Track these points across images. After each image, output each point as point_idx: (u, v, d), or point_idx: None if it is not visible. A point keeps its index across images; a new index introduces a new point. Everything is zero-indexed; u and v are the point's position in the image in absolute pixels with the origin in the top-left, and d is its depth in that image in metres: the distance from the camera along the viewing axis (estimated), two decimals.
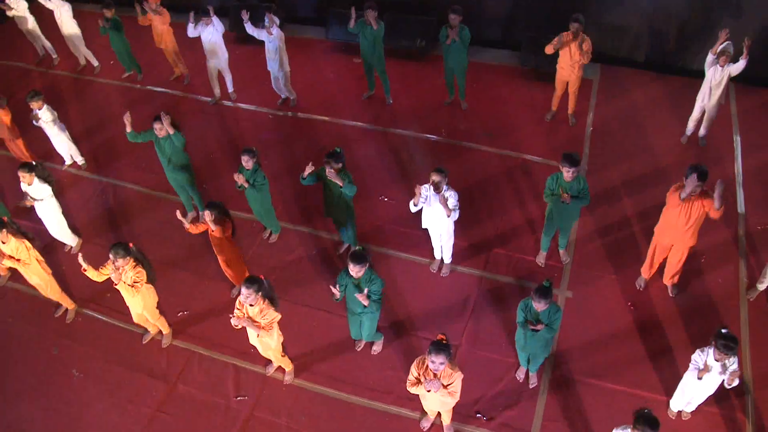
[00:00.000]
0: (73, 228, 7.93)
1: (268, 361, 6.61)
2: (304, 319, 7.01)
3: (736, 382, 5.28)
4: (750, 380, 6.30)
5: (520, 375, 6.44)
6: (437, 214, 6.64)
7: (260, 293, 5.54)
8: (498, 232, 7.69)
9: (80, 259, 5.96)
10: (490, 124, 9.00)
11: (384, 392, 6.40)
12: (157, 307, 6.59)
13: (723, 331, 5.20)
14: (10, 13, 9.96)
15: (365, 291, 5.69)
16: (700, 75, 8.07)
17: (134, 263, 6.05)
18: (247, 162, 6.83)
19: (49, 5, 9.78)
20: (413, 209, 6.51)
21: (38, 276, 6.76)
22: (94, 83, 10.32)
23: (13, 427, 6.39)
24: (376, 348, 6.74)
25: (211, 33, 8.79)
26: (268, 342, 5.97)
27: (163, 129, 7.07)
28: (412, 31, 9.87)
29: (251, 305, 5.61)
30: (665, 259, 6.80)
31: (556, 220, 6.84)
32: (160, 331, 6.96)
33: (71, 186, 8.69)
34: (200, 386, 6.59)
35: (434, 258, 7.37)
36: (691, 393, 5.67)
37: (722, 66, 7.61)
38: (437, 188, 6.31)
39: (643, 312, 6.88)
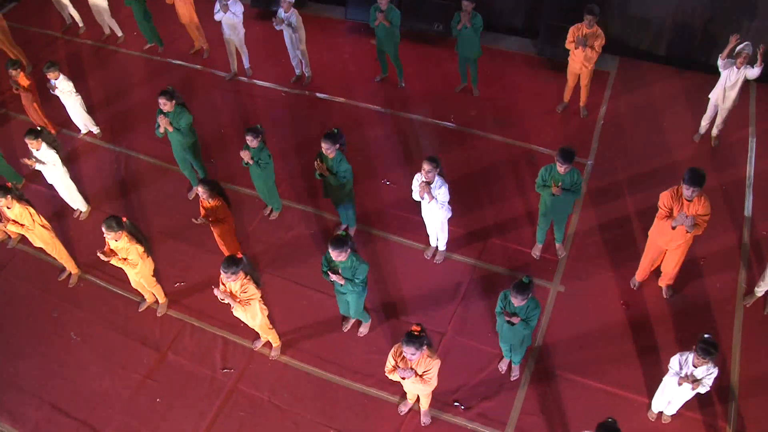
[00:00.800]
0: (84, 195, 8.18)
1: (257, 336, 6.76)
2: (296, 296, 7.13)
3: (701, 389, 5.22)
4: (736, 387, 6.19)
5: (503, 366, 6.45)
6: (431, 207, 6.65)
7: (240, 271, 5.69)
8: (497, 221, 7.65)
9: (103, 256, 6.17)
10: (501, 112, 8.90)
11: (366, 375, 6.49)
12: (153, 276, 6.79)
13: (705, 336, 5.13)
14: None
15: (339, 271, 5.78)
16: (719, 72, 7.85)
17: (128, 238, 6.21)
18: (251, 141, 6.92)
19: None
20: (416, 198, 6.54)
21: (42, 240, 7.01)
22: (116, 53, 10.52)
23: (9, 383, 6.69)
24: (363, 330, 6.82)
25: (229, 15, 8.86)
26: (251, 316, 6.11)
27: (167, 104, 7.19)
28: (431, 15, 9.76)
29: (232, 282, 5.76)
30: (662, 262, 6.70)
31: (549, 213, 6.77)
32: (157, 300, 7.16)
33: (86, 154, 8.94)
34: (189, 356, 6.78)
35: (429, 244, 7.38)
36: (670, 394, 5.61)
37: (739, 68, 7.36)
38: (427, 179, 6.31)
39: (635, 311, 6.79)
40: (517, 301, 5.42)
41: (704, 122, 8.12)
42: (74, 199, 8.01)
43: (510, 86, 9.28)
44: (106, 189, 8.45)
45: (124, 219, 6.18)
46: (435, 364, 5.24)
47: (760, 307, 6.73)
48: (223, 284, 5.82)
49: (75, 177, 8.46)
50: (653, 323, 6.70)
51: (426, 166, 6.24)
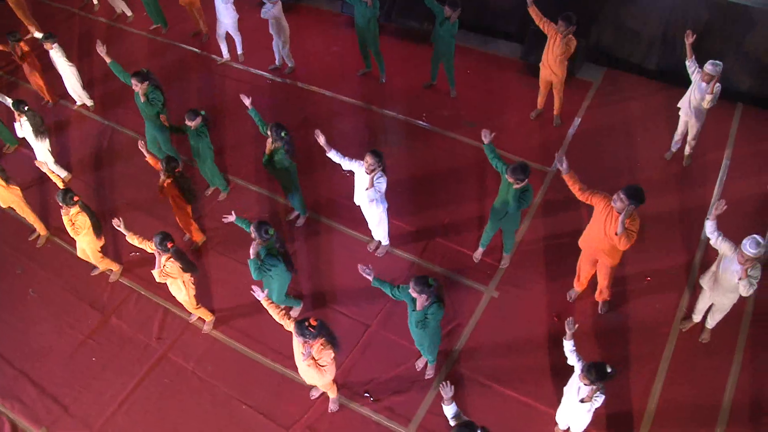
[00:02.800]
0: (66, 162, 8.69)
1: None
2: (239, 276, 7.37)
3: (589, 406, 5.17)
4: (652, 411, 6.08)
5: (419, 364, 6.52)
6: (366, 201, 6.78)
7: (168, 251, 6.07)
8: (447, 222, 7.69)
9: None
10: (475, 114, 8.89)
11: (287, 357, 6.64)
12: (99, 251, 7.19)
13: (600, 362, 5.04)
14: None
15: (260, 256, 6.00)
16: None
17: (78, 210, 6.66)
18: (189, 121, 7.27)
19: None
20: (332, 157, 6.66)
21: (10, 202, 7.53)
22: (124, 32, 11.04)
23: None
24: (293, 314, 7.01)
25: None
26: (176, 289, 6.50)
27: (138, 86, 7.54)
28: (422, 13, 9.82)
29: (163, 257, 6.15)
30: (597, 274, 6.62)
31: (496, 218, 6.73)
32: (111, 268, 7.56)
33: (76, 124, 9.48)
34: (130, 322, 7.16)
35: (373, 238, 7.50)
36: (564, 410, 5.57)
37: (705, 82, 7.10)
38: (368, 171, 6.43)
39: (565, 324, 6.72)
40: (413, 293, 5.40)
41: (676, 137, 7.90)
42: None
43: (490, 90, 9.24)
44: (87, 158, 8.94)
45: (76, 198, 6.63)
46: (327, 354, 5.38)
47: (696, 333, 6.56)
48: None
49: (62, 145, 9.03)
50: (582, 338, 6.59)
51: (369, 159, 6.37)
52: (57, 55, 8.84)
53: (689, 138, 7.76)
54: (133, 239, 6.37)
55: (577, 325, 5.35)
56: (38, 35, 9.18)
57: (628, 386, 6.26)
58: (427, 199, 7.91)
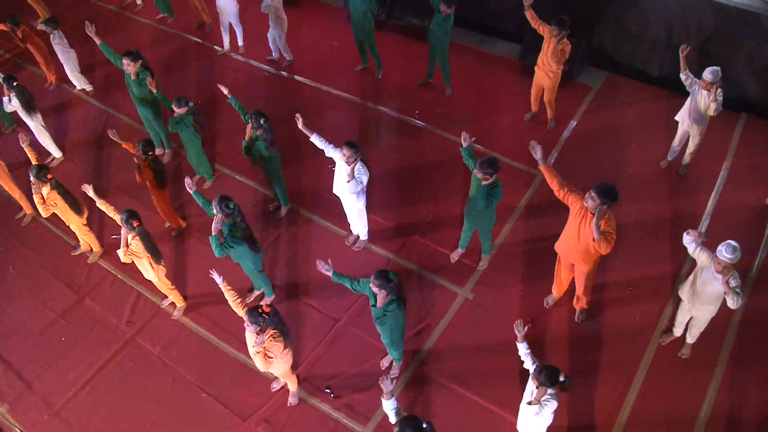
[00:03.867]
0: (61, 144, 8.77)
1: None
2: (214, 264, 7.26)
3: (540, 411, 4.96)
4: (622, 424, 5.84)
5: (385, 363, 6.38)
6: (346, 194, 6.68)
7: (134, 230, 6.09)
8: (427, 220, 7.54)
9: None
10: (468, 113, 8.72)
11: None
12: (86, 225, 7.20)
13: (554, 367, 4.84)
14: None
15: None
16: None
17: (50, 189, 6.68)
18: (176, 108, 7.27)
19: None
20: (315, 142, 6.59)
21: None
22: (131, 20, 11.13)
23: None
24: (265, 302, 6.93)
25: None
26: (144, 269, 6.51)
27: (130, 65, 7.56)
28: (423, 10, 9.73)
29: (129, 234, 6.14)
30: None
31: (470, 217, 6.57)
32: (91, 249, 7.57)
33: (74, 107, 9.58)
34: (104, 304, 7.16)
35: (351, 232, 7.38)
36: (520, 416, 5.38)
37: (706, 90, 6.83)
38: (348, 162, 6.34)
39: (540, 331, 6.52)
40: (374, 288, 5.26)
41: (674, 146, 7.61)
42: (48, 146, 8.59)
43: (486, 89, 9.07)
44: (81, 142, 9.01)
45: (50, 176, 6.64)
46: (275, 346, 5.30)
47: (676, 347, 6.29)
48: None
49: (58, 127, 9.12)
50: (554, 346, 6.41)
51: (345, 151, 6.28)
52: (57, 41, 8.93)
53: (689, 149, 7.48)
54: (102, 206, 6.38)
55: (527, 327, 5.16)
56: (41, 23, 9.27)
57: (600, 395, 6.03)
58: (411, 196, 7.76)
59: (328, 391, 6.24)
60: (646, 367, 6.20)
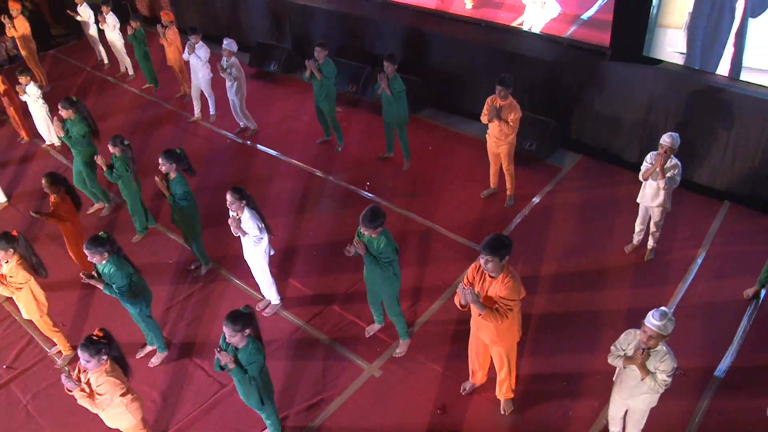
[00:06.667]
0: (9, 194, 8.73)
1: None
2: (121, 314, 6.77)
3: None
4: None
5: None
6: (247, 246, 6.24)
7: (11, 250, 5.67)
8: (350, 290, 6.89)
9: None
10: (421, 188, 8.25)
11: None
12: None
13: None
14: (77, 18, 11.53)
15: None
16: (689, 186, 7.15)
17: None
18: (114, 149, 7.09)
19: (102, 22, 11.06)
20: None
21: None
22: (119, 87, 11.52)
23: None
24: (155, 360, 6.35)
25: (194, 57, 9.32)
26: (24, 305, 6.04)
27: (65, 111, 7.55)
28: (346, 77, 9.93)
29: (4, 263, 5.69)
30: None
31: (369, 285, 5.93)
32: None
33: (37, 160, 9.72)
34: None
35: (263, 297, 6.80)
36: None
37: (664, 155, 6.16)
38: (231, 209, 5.97)
39: (450, 421, 5.58)
40: (229, 334, 4.63)
41: (637, 227, 6.88)
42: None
43: (448, 167, 8.62)
44: (31, 191, 8.96)
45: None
46: (108, 385, 4.64)
47: None
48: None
49: (15, 177, 9.11)
50: None
51: (228, 197, 5.87)
52: (31, 89, 9.10)
53: (652, 228, 6.73)
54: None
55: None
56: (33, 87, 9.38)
57: None
58: (337, 265, 7.16)
59: None
60: None
